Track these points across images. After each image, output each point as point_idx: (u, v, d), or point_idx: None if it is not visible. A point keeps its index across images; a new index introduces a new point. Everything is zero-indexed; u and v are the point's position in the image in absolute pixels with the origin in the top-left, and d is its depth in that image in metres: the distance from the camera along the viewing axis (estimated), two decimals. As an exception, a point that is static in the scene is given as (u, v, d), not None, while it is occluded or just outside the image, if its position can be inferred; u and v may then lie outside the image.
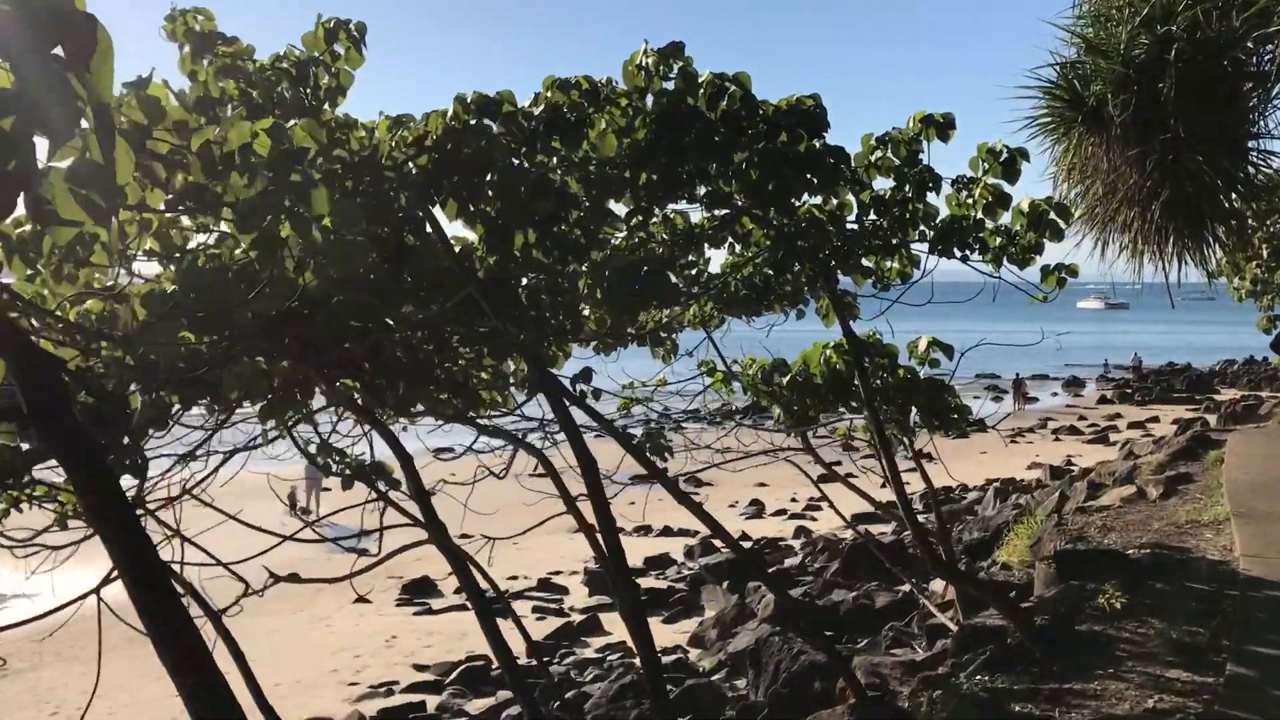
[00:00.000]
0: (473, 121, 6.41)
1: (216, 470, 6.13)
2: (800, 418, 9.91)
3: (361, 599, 19.97)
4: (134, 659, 17.27)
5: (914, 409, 9.92)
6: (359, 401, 6.80)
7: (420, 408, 8.07)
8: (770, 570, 19.44)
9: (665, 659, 15.70)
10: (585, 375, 7.17)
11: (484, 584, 8.18)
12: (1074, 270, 8.67)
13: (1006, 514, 17.37)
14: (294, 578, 7.27)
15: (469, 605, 19.83)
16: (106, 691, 16.67)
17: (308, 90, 6.07)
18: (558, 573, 21.45)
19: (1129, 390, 56.50)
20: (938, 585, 13.54)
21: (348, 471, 6.07)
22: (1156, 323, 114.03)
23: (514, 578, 21.34)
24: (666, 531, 25.24)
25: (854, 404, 9.65)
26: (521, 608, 19.33)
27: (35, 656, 16.52)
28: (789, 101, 7.70)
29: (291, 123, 4.35)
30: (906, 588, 14.37)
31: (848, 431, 10.76)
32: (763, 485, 28.54)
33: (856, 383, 9.51)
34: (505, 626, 19.08)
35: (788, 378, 9.71)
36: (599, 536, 7.85)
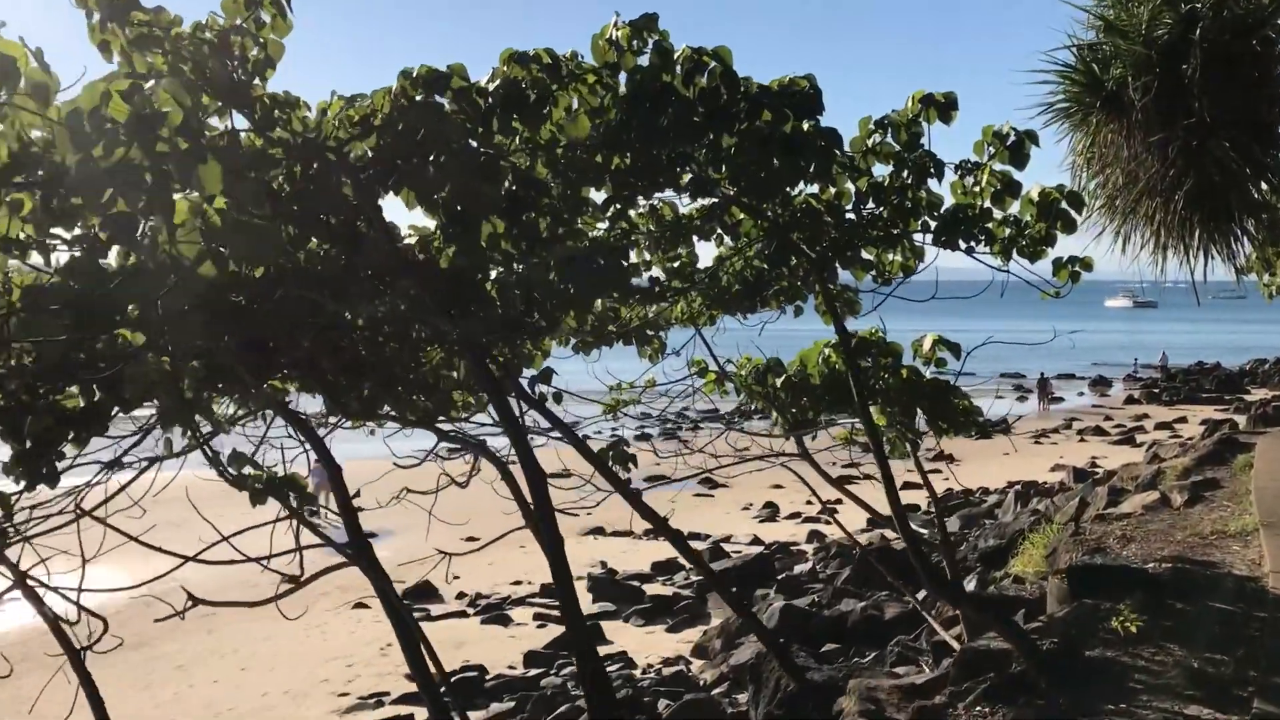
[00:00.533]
0: (420, 97, 5.85)
1: (137, 478, 5.56)
2: (796, 422, 9.32)
3: (360, 604, 19.50)
4: (118, 669, 16.89)
5: (919, 411, 9.35)
6: (305, 403, 6.26)
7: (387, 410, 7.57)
8: (780, 577, 18.81)
9: (667, 670, 15.13)
10: (544, 376, 6.60)
11: (459, 595, 7.57)
12: (1088, 264, 8.04)
13: (1024, 520, 16.69)
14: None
15: (468, 613, 19.38)
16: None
17: (234, 63, 5.51)
18: (562, 577, 20.88)
19: (1156, 390, 55.56)
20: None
21: (258, 485, 5.49)
22: (1185, 321, 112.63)
23: (518, 582, 20.83)
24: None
25: (854, 407, 9.08)
26: (522, 614, 18.82)
27: (16, 664, 16.09)
28: (781, 82, 7.12)
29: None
30: (920, 595, 13.73)
31: (850, 434, 10.16)
32: (778, 487, 27.88)
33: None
34: (510, 634, 18.45)
35: (782, 379, 9.12)
36: (572, 555, 7.26)
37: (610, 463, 6.53)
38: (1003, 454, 32.05)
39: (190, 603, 5.38)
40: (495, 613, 18.75)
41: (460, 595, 20.21)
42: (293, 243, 6.37)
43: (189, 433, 5.25)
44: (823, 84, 7.08)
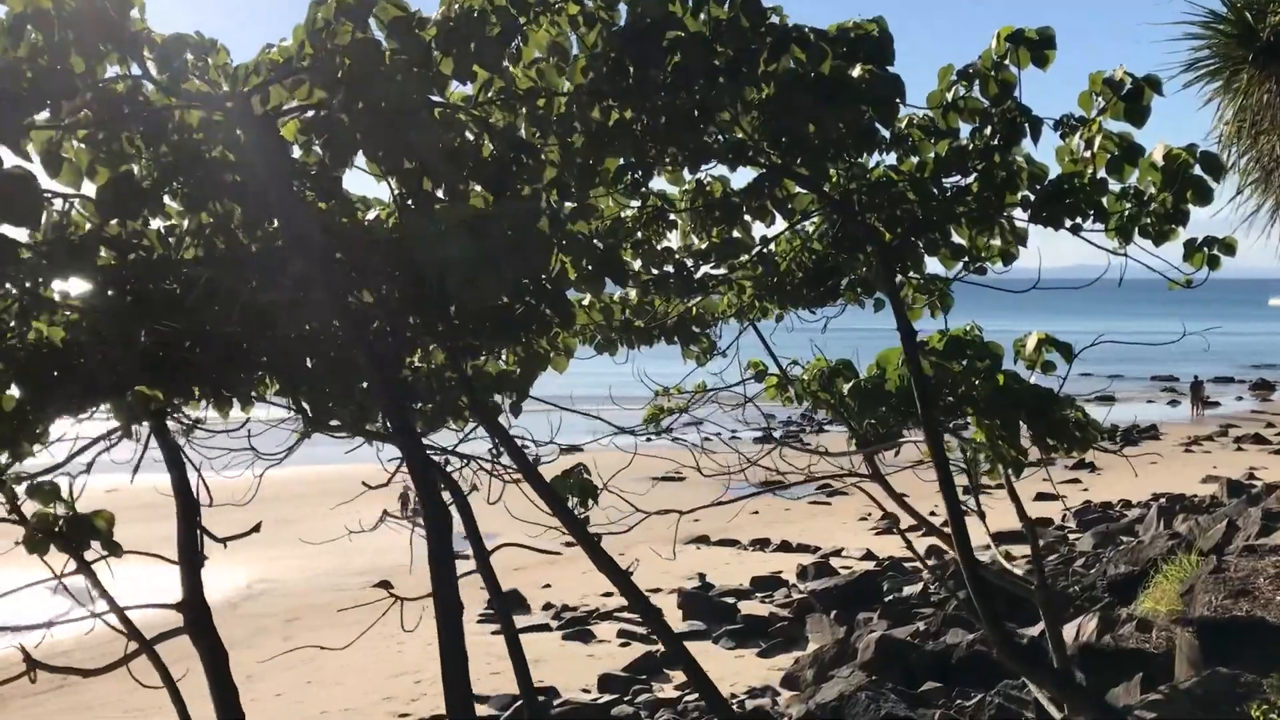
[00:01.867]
0: (333, 28, 4.64)
1: None
2: (869, 436, 7.87)
3: (443, 613, 18.58)
4: (184, 673, 16.23)
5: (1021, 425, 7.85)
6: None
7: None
8: (888, 599, 17.21)
9: (750, 702, 13.73)
10: (502, 382, 5.33)
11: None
12: (1231, 245, 6.33)
13: (1162, 544, 14.75)
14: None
15: (551, 626, 18.31)
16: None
17: (102, -10, 4.40)
18: (655, 590, 19.55)
19: (1325, 395, 51.77)
20: (1068, 630, 11.18)
21: (42, 529, 4.27)
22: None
23: (609, 594, 19.65)
24: (784, 547, 23.20)
25: (942, 419, 7.60)
26: (606, 630, 17.64)
27: (38, 684, 15.52)
28: (842, 26, 5.69)
29: None
30: (1036, 630, 12.07)
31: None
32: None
33: (947, 394, 7.51)
34: (589, 651, 17.39)
35: (850, 384, 7.67)
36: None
37: (568, 495, 5.23)
38: (1150, 462, 29.72)
39: (30, 668, 4.27)
40: (578, 628, 17.60)
41: (547, 606, 19.21)
42: (245, 225, 5.39)
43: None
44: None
